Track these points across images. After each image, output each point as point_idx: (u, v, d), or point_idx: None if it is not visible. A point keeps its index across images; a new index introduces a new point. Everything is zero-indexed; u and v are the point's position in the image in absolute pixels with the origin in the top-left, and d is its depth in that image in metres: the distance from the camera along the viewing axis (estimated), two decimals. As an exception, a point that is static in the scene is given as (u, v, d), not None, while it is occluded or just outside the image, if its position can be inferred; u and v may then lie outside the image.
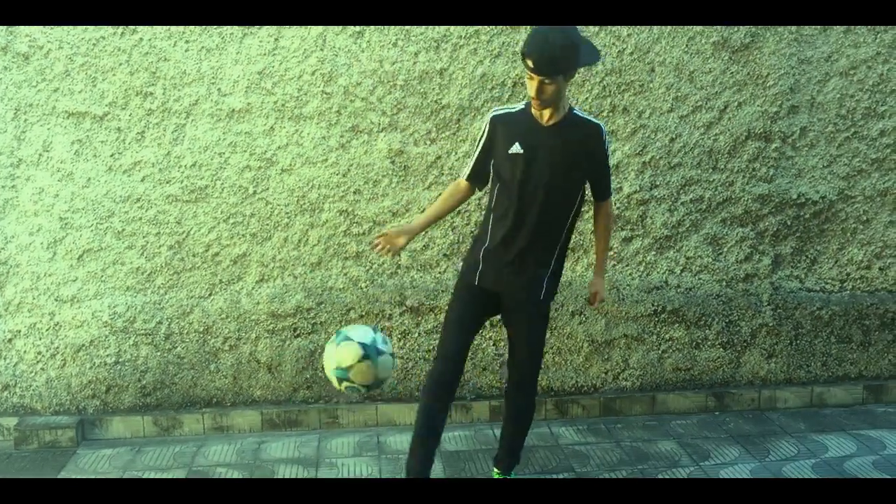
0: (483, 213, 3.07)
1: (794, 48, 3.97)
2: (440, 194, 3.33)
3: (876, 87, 4.08)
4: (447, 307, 3.05)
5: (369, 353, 2.66)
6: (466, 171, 3.01)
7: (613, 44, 3.83)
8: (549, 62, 2.64)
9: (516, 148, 2.82)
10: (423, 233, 3.66)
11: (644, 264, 4.05)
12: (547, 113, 2.82)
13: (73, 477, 3.39)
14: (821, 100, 4.04)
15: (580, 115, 2.90)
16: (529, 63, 2.66)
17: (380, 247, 3.00)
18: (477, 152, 2.97)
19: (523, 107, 2.90)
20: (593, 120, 2.91)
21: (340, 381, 2.69)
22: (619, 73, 3.86)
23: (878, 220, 4.21)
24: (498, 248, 2.91)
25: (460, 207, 3.60)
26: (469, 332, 3.00)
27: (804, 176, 4.10)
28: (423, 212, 3.26)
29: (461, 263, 3.15)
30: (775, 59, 3.96)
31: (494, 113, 2.93)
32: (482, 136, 2.94)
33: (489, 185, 3.00)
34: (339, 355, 2.68)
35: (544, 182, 2.82)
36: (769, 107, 4.00)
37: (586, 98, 3.84)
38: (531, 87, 2.73)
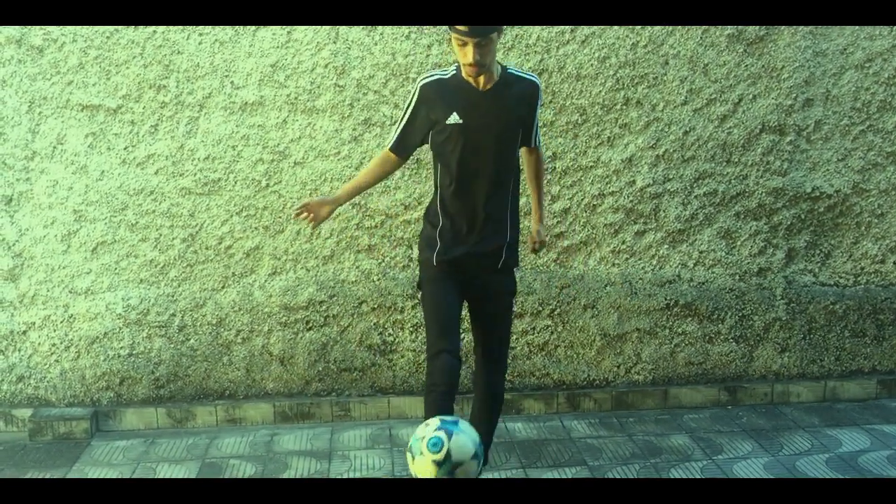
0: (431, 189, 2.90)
1: (808, 41, 3.94)
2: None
3: (891, 79, 4.04)
4: (422, 301, 2.87)
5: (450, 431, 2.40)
6: (392, 140, 2.84)
7: (627, 36, 3.81)
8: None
9: (455, 118, 2.66)
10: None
11: (657, 258, 4.04)
12: (483, 77, 2.65)
13: (88, 468, 3.41)
14: (836, 93, 4.02)
15: (515, 72, 2.75)
16: (461, 27, 2.49)
17: (303, 216, 2.88)
18: (403, 122, 2.79)
19: (455, 72, 2.71)
20: (529, 76, 2.78)
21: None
22: (633, 65, 3.84)
23: (893, 214, 4.18)
24: (452, 224, 2.77)
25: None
26: (456, 311, 2.79)
27: (818, 169, 4.08)
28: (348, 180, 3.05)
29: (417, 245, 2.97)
30: (790, 52, 3.93)
31: (424, 81, 2.72)
32: (409, 105, 2.76)
33: (432, 159, 2.86)
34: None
35: (489, 150, 2.68)
36: (784, 100, 3.98)
37: (599, 91, 3.83)
38: (466, 53, 2.55)
